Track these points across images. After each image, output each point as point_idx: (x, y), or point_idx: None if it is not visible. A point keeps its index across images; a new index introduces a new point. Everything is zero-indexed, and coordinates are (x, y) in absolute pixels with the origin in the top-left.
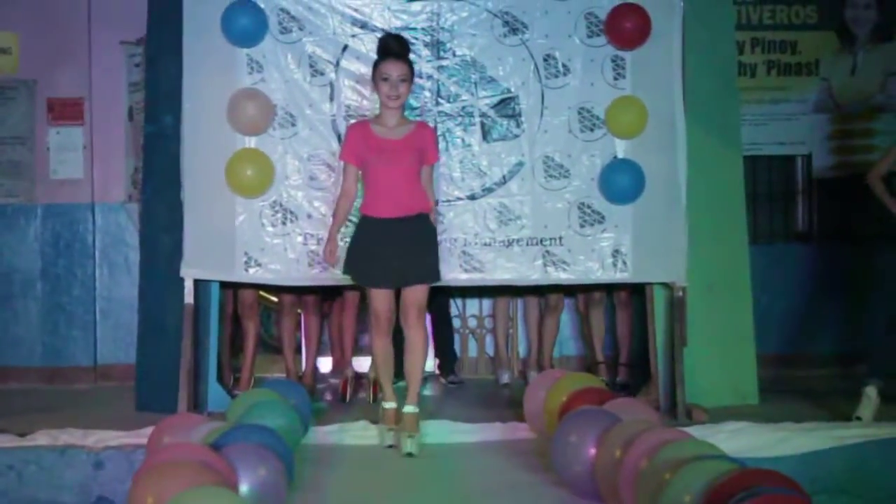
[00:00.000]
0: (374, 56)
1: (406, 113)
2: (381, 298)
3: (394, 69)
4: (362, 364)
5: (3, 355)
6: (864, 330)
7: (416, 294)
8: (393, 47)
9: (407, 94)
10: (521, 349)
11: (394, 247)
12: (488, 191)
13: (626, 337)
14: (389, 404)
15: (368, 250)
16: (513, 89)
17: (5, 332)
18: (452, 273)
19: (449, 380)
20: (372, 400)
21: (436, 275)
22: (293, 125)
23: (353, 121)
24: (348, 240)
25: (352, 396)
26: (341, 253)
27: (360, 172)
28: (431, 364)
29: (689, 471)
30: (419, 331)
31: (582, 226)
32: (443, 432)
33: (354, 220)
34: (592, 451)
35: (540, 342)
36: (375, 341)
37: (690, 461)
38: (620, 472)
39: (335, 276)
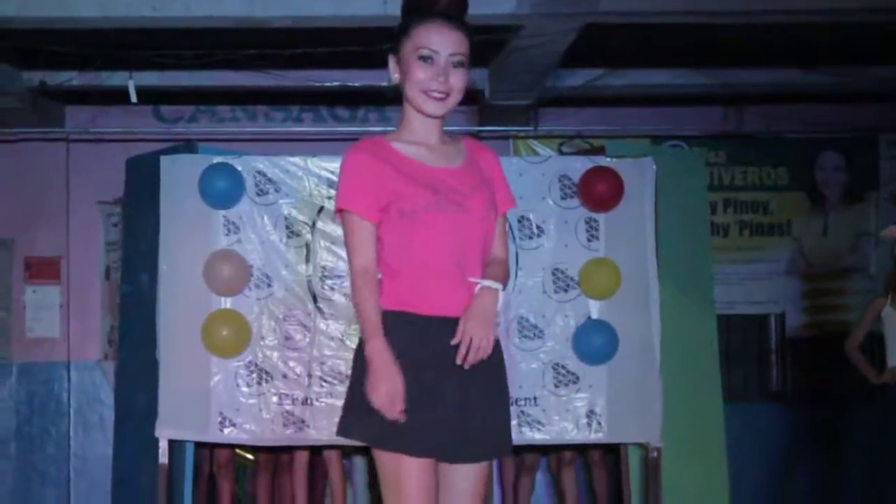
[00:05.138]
0: None
1: None
2: (419, 474)
3: (441, 41)
4: None
5: None
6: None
7: (479, 475)
8: (441, 1)
9: (461, 92)
10: None
11: (457, 380)
12: None
13: (606, 496)
14: None
15: (410, 381)
16: None
17: None
18: None
19: None
20: None
21: (510, 441)
22: (269, 286)
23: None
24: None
25: None
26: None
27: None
28: None
29: None
30: None
31: (556, 386)
32: None
33: None
34: None
35: (516, 501)
36: None
37: None
38: None
39: (311, 435)
